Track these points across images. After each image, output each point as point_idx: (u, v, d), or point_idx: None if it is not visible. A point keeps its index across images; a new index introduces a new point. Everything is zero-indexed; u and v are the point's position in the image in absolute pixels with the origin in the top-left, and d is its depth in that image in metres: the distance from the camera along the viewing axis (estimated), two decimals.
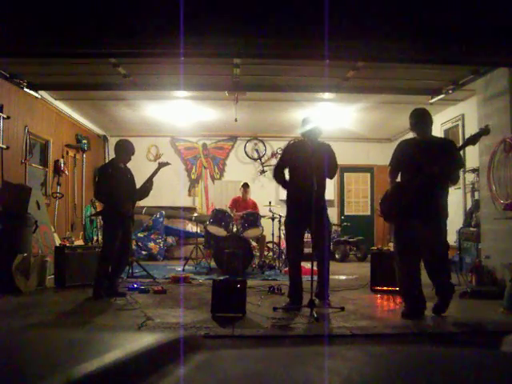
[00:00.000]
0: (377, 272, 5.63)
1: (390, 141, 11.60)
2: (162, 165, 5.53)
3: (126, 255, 5.44)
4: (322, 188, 4.58)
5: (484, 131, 4.16)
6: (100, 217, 5.59)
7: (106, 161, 10.55)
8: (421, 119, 4.32)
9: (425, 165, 4.02)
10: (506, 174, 5.66)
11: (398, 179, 4.40)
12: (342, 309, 4.36)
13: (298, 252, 4.75)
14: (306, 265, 5.21)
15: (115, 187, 5.09)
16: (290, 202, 4.79)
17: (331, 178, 4.81)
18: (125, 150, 5.30)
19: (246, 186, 8.44)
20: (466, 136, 8.06)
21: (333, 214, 11.34)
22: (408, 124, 4.45)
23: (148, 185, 5.42)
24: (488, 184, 5.90)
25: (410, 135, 4.71)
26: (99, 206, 8.21)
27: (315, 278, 4.44)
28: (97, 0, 4.32)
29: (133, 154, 5.36)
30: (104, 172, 5.37)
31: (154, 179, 5.44)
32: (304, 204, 4.32)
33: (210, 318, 4.00)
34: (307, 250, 5.16)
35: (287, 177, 4.87)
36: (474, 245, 6.58)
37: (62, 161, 8.71)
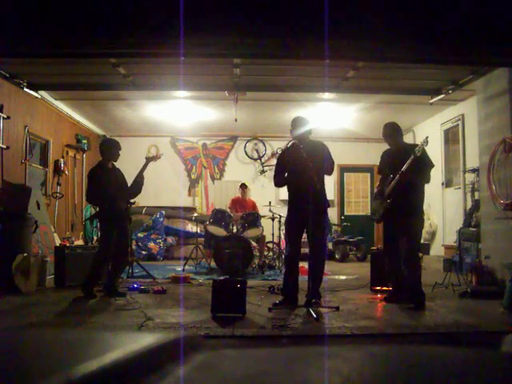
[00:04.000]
0: (377, 272, 5.63)
1: None
2: (149, 159, 5.40)
3: (125, 254, 5.43)
4: (321, 189, 4.59)
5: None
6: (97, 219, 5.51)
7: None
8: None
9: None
10: (506, 173, 5.66)
11: None
12: (337, 308, 4.36)
13: (296, 251, 4.73)
14: (306, 265, 5.21)
15: (106, 188, 5.06)
16: (290, 203, 4.81)
17: (330, 174, 4.85)
18: (110, 148, 5.26)
19: (243, 186, 8.45)
20: (467, 136, 8.14)
21: (333, 214, 11.33)
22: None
23: (139, 180, 5.32)
24: (488, 184, 5.89)
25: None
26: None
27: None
28: (97, 0, 4.32)
29: (120, 149, 5.28)
30: (93, 174, 5.27)
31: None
32: (303, 206, 4.35)
33: (209, 318, 4.00)
34: (304, 250, 5.17)
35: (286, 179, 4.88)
36: (474, 245, 6.58)
37: (62, 161, 8.72)
